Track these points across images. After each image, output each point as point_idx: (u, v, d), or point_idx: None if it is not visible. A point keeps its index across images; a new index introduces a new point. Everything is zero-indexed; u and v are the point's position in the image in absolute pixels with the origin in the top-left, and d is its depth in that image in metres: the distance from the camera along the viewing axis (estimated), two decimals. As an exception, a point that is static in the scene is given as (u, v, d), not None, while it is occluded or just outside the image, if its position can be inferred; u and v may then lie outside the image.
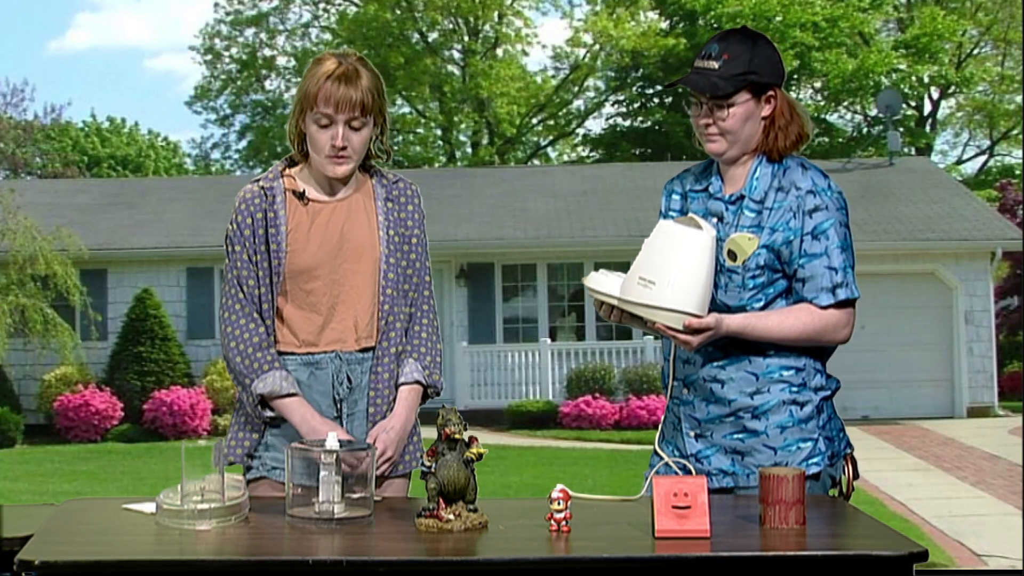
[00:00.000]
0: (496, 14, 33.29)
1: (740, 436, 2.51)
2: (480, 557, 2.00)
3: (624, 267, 2.53)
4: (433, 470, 2.07)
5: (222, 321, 2.57)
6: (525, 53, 34.55)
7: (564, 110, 34.84)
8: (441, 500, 2.07)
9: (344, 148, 2.55)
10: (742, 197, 2.55)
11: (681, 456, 2.57)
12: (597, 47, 32.99)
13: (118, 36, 58.72)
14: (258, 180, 2.66)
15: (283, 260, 2.54)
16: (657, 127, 32.15)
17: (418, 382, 2.62)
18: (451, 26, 33.55)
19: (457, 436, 2.08)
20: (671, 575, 1.95)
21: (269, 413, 2.52)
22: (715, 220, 2.56)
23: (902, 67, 30.08)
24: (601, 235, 16.95)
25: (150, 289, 16.16)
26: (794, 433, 2.49)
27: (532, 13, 36.11)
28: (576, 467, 11.39)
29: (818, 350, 2.58)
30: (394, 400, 2.60)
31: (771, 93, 2.59)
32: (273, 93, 36.09)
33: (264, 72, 35.47)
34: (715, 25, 31.23)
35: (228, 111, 36.24)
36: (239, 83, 35.65)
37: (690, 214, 2.55)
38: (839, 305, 2.50)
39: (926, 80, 31.29)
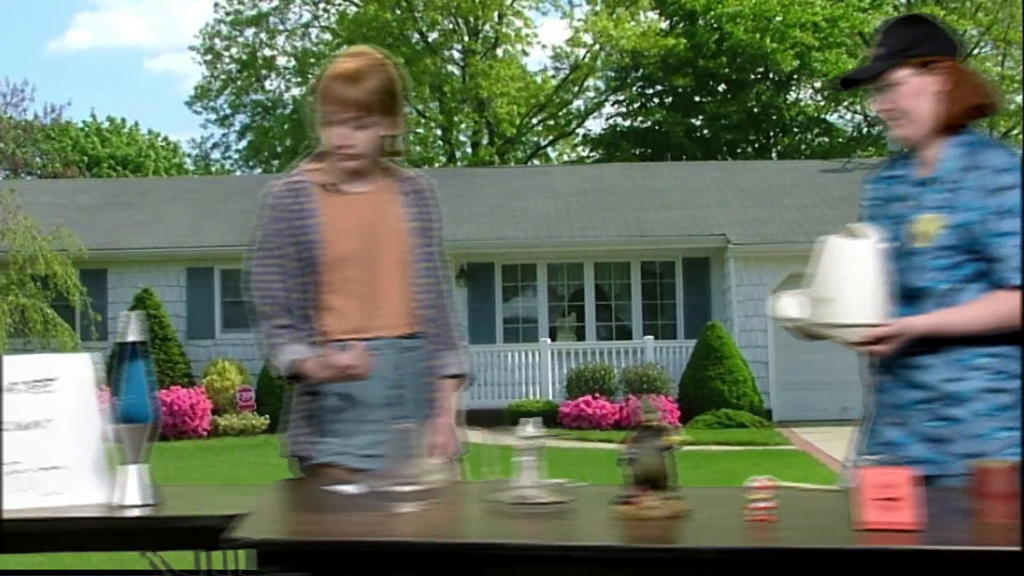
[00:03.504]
0: (496, 14, 33.29)
1: (939, 424, 2.48)
2: (680, 545, 1.98)
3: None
4: (632, 457, 2.06)
5: (257, 316, 2.66)
6: (525, 53, 34.58)
7: (564, 110, 34.84)
8: (640, 487, 2.05)
9: (346, 146, 2.61)
10: (933, 179, 2.55)
11: (880, 445, 2.54)
12: (597, 47, 32.99)
13: (118, 36, 58.77)
14: (283, 176, 2.70)
15: (319, 251, 2.60)
16: (657, 127, 32.16)
17: (460, 375, 2.74)
18: (451, 26, 33.55)
19: (656, 424, 2.06)
20: (879, 568, 1.89)
21: (305, 384, 2.62)
22: (905, 203, 2.57)
23: (902, 67, 30.09)
24: (601, 235, 16.95)
25: (150, 289, 16.17)
26: (994, 421, 2.44)
27: (532, 13, 36.14)
28: (576, 467, 11.38)
29: (1018, 336, 2.47)
30: (438, 389, 2.69)
31: (941, 65, 2.59)
32: (273, 93, 36.12)
33: (264, 72, 35.48)
34: (715, 25, 31.26)
35: (228, 111, 36.26)
36: (239, 83, 35.65)
37: (850, 224, 2.54)
38: None
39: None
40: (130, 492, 2.26)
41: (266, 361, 2.68)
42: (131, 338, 2.31)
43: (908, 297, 2.49)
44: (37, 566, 2.80)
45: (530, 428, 2.18)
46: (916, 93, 2.56)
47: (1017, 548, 1.84)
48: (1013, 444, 2.41)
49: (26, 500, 2.26)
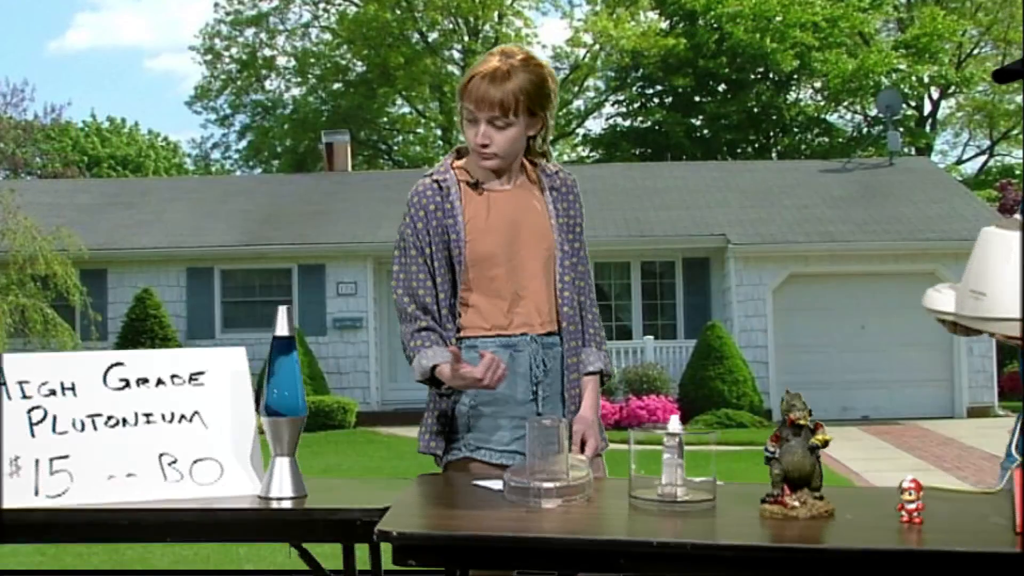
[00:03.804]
0: (496, 14, 33.29)
1: None
2: (827, 545, 1.93)
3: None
4: (777, 456, 2.03)
5: (399, 318, 2.67)
6: (525, 53, 34.50)
7: (564, 110, 34.83)
8: (786, 486, 2.02)
9: (486, 145, 2.62)
10: None
11: None
12: (597, 47, 32.99)
13: (118, 36, 58.75)
14: (430, 174, 2.69)
15: (463, 249, 2.61)
16: (657, 127, 32.15)
17: (601, 371, 2.73)
18: (451, 26, 33.55)
19: (802, 422, 2.02)
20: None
21: (441, 390, 2.61)
22: None
23: (902, 67, 30.08)
24: (601, 235, 16.94)
25: (150, 289, 16.16)
26: None
27: (532, 13, 36.16)
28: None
29: None
30: (579, 386, 2.70)
31: None
32: (273, 93, 36.11)
33: (264, 72, 35.47)
34: (715, 25, 31.25)
35: (228, 111, 36.25)
36: (239, 83, 35.65)
37: (1015, 216, 2.46)
38: None
39: (926, 80, 31.28)
40: (283, 484, 2.29)
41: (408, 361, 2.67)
42: (282, 332, 2.33)
43: None
44: (37, 566, 2.81)
45: (674, 425, 2.17)
46: None
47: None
48: None
49: (181, 491, 2.32)
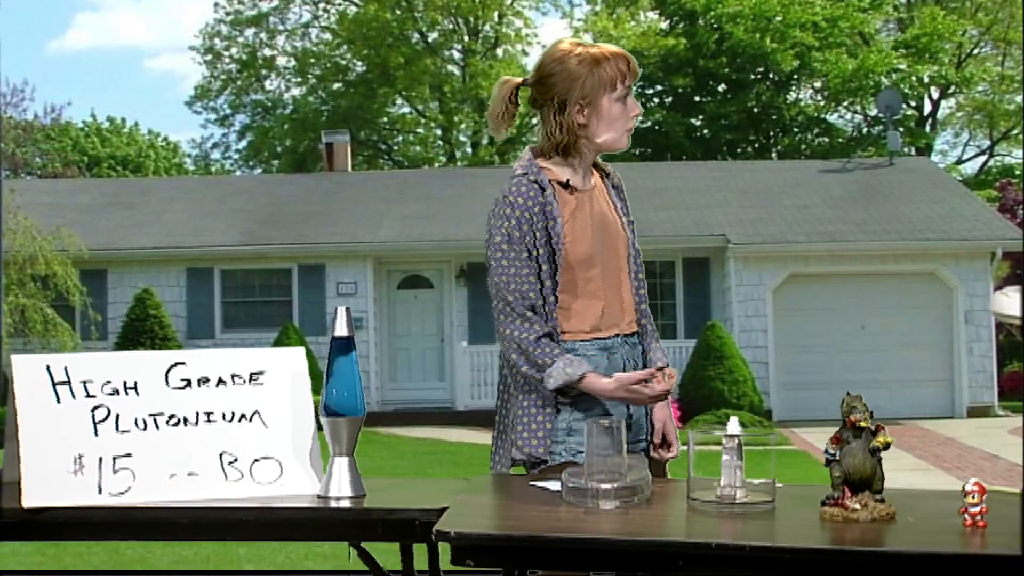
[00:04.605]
0: (496, 14, 33.28)
1: None
2: (888, 549, 1.91)
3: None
4: (838, 458, 2.02)
5: (500, 324, 2.62)
6: (525, 53, 34.49)
7: (564, 110, 34.81)
8: (846, 489, 2.01)
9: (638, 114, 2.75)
10: None
11: None
12: (597, 47, 32.98)
13: (118, 36, 58.73)
14: (524, 174, 2.65)
15: (563, 251, 2.58)
16: (657, 127, 32.15)
17: (668, 366, 2.72)
18: (451, 26, 33.54)
19: (864, 424, 2.01)
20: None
21: (566, 398, 2.57)
22: None
23: (902, 67, 30.08)
24: (601, 235, 16.96)
25: (150, 289, 16.16)
26: None
27: (532, 13, 36.15)
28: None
29: None
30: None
31: None
32: (273, 93, 36.10)
33: (264, 72, 35.46)
34: (715, 25, 31.26)
35: (228, 111, 36.24)
36: (239, 83, 35.64)
37: None
38: None
39: (926, 80, 31.28)
40: (342, 484, 2.30)
41: (509, 363, 2.58)
42: (342, 332, 2.36)
43: None
44: (37, 566, 2.81)
45: (734, 426, 2.15)
46: None
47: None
48: None
49: (241, 490, 2.33)
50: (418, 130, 35.66)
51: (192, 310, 17.14)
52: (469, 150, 34.55)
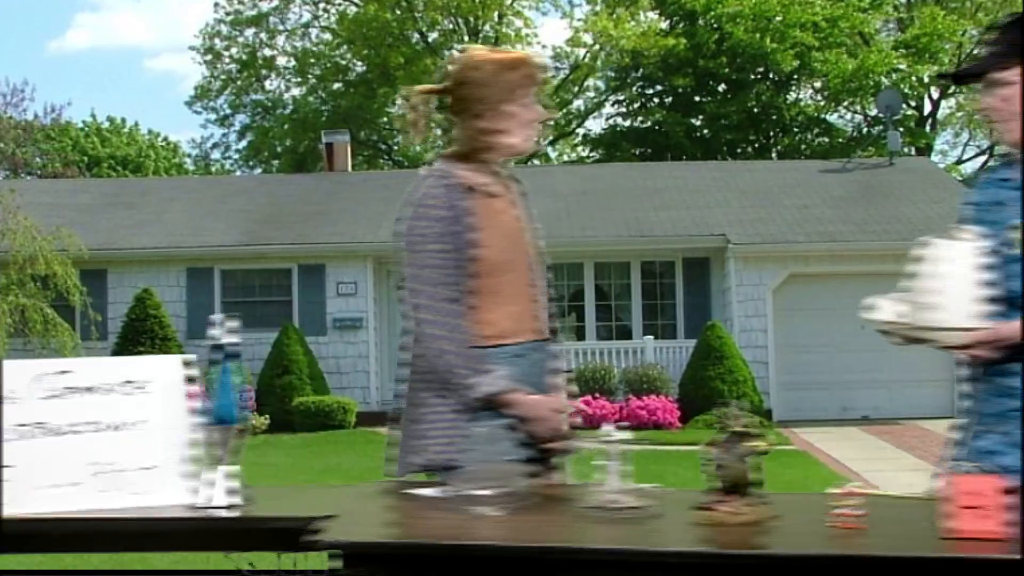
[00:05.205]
0: (496, 14, 33.28)
1: None
2: (767, 551, 1.97)
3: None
4: (716, 463, 2.06)
5: (424, 322, 2.54)
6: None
7: (564, 110, 34.84)
8: (725, 492, 2.05)
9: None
10: None
11: (974, 454, 2.49)
12: (597, 47, 32.98)
13: (118, 36, 58.75)
14: (440, 176, 2.63)
15: (474, 255, 2.56)
16: (657, 127, 32.14)
17: (568, 369, 2.80)
18: (451, 26, 33.54)
19: (741, 429, 2.06)
20: (966, 576, 1.87)
21: (489, 413, 2.54)
22: (1005, 208, 2.50)
23: (902, 67, 30.07)
24: (601, 235, 16.95)
25: (150, 289, 16.16)
26: None
27: (532, 13, 36.13)
28: (576, 467, 11.39)
29: None
30: (554, 385, 2.74)
31: None
32: (273, 93, 36.10)
33: (264, 72, 35.46)
34: (715, 25, 31.25)
35: (228, 111, 36.24)
36: (239, 83, 35.64)
37: (953, 227, 2.50)
38: None
39: (926, 80, 31.28)
40: (217, 493, 2.29)
41: (445, 369, 2.53)
42: (222, 340, 2.33)
43: (1008, 304, 2.43)
44: (38, 566, 2.80)
45: (614, 432, 2.18)
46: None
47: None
48: None
49: (117, 500, 2.32)
50: (418, 130, 35.63)
51: (192, 310, 17.12)
52: (469, 150, 34.53)
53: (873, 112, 30.72)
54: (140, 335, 15.70)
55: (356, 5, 33.53)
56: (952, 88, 31.95)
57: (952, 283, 2.39)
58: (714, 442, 2.06)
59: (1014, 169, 2.55)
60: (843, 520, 1.98)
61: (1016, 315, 2.40)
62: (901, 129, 29.15)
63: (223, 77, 35.62)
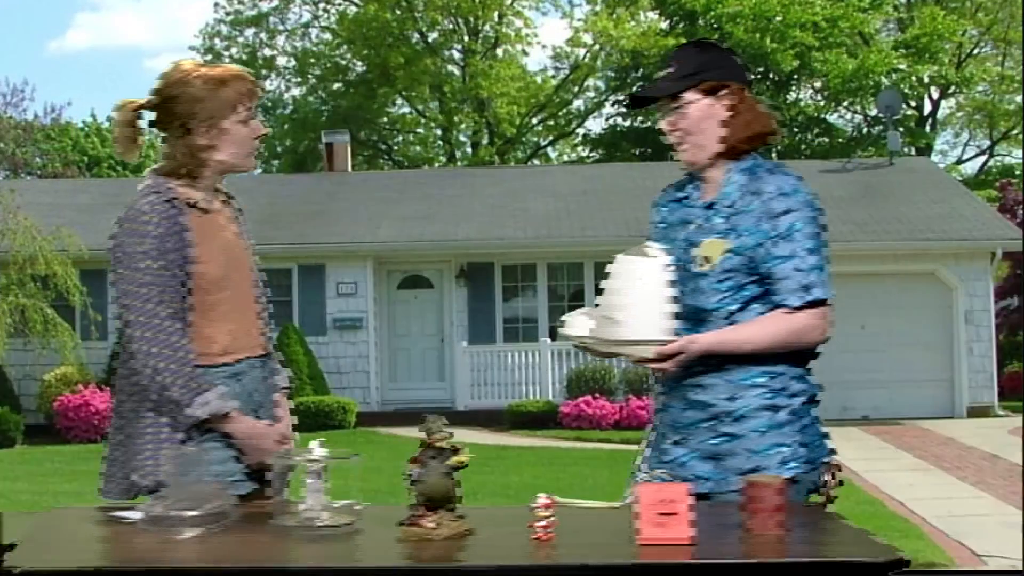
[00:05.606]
0: (496, 14, 33.28)
1: (718, 441, 2.54)
2: (463, 565, 2.02)
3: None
4: (417, 477, 2.07)
5: (139, 340, 2.47)
6: (525, 53, 34.54)
7: (564, 110, 34.84)
8: (425, 508, 2.07)
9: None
10: (717, 202, 2.60)
11: (662, 463, 2.59)
12: (597, 47, 32.98)
13: (118, 36, 58.73)
14: (157, 192, 2.55)
15: (192, 272, 2.52)
16: (657, 127, 32.14)
17: (290, 387, 2.80)
18: (451, 26, 33.54)
19: (441, 444, 2.07)
20: (655, 582, 1.96)
21: (206, 434, 2.49)
22: (690, 226, 2.62)
23: (902, 67, 30.07)
24: (601, 235, 16.94)
25: (150, 289, 16.15)
26: (770, 438, 2.51)
27: (532, 13, 36.14)
28: (576, 467, 11.38)
29: (798, 355, 2.57)
30: (276, 403, 2.74)
31: (728, 92, 2.61)
32: (273, 93, 36.09)
33: (264, 72, 35.45)
34: (715, 25, 31.25)
35: (228, 111, 36.24)
36: (239, 83, 35.63)
37: (641, 244, 2.58)
38: (811, 306, 2.52)
39: (926, 80, 31.28)
40: None
41: (154, 381, 2.46)
42: None
43: (694, 320, 2.55)
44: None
45: (316, 450, 2.19)
46: (703, 117, 2.60)
47: (783, 560, 1.94)
48: (789, 460, 2.50)
49: None
50: (418, 130, 35.66)
51: (192, 310, 17.14)
52: (469, 150, 34.55)
53: (873, 112, 30.71)
54: (140, 335, 15.68)
55: (356, 5, 33.53)
56: (952, 88, 31.96)
57: (641, 298, 2.47)
58: (415, 457, 2.08)
59: (688, 188, 2.69)
60: (539, 531, 2.03)
61: (702, 331, 2.53)
62: (901, 129, 29.15)
63: (223, 77, 35.61)
